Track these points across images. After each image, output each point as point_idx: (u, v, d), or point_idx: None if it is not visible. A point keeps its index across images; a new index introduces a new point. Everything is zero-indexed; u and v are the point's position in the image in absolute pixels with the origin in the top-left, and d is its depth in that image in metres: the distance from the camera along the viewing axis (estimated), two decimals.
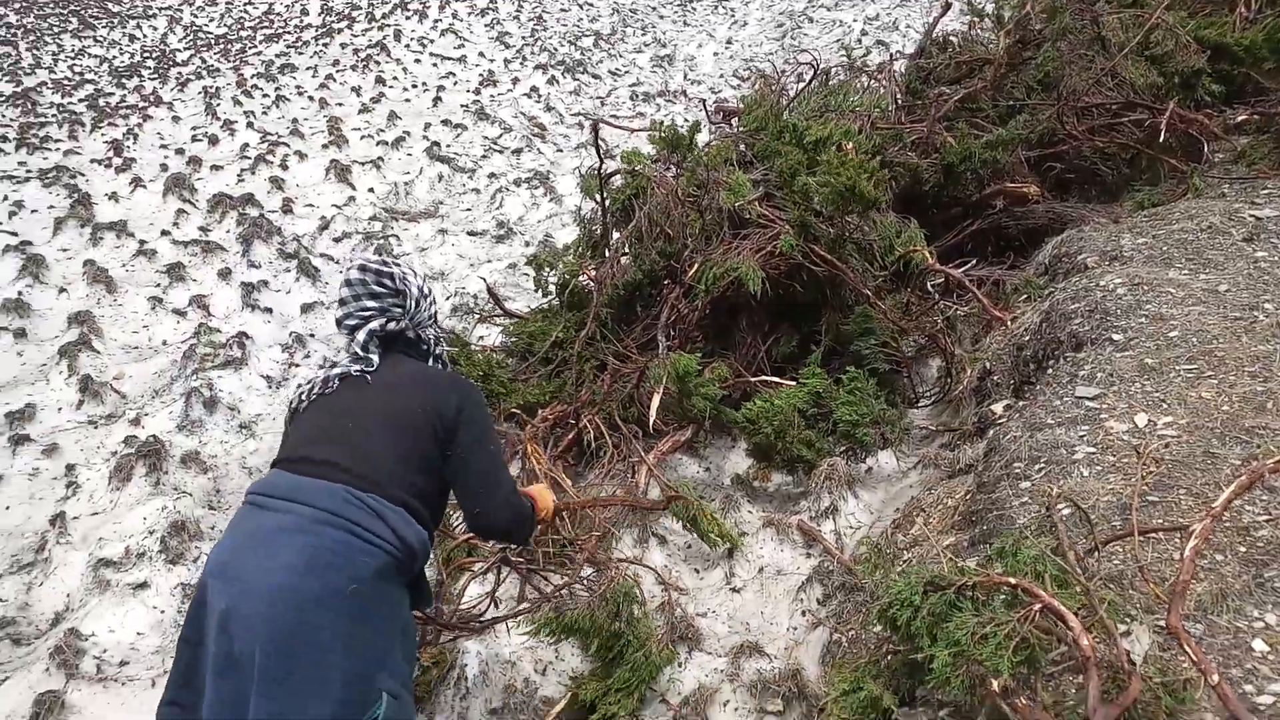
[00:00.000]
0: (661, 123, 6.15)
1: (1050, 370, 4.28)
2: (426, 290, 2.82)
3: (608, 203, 5.62)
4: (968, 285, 4.97)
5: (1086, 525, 2.56)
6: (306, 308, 7.56)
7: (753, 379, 4.79)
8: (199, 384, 5.97)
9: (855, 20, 20.77)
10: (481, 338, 6.54)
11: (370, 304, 2.72)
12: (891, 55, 8.22)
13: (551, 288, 5.99)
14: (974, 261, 5.82)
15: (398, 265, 2.80)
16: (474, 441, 2.54)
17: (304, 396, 2.58)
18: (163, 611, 4.37)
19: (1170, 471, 2.96)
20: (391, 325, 2.69)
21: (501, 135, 13.71)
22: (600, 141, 5.81)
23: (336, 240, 9.16)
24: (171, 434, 5.59)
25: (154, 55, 20.83)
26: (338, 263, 8.63)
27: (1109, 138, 6.26)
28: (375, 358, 2.65)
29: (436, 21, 22.53)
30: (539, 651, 3.81)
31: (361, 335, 2.67)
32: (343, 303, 2.74)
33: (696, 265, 4.79)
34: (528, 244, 9.01)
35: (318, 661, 2.16)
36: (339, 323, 2.76)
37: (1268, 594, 2.37)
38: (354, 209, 10.01)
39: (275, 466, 2.51)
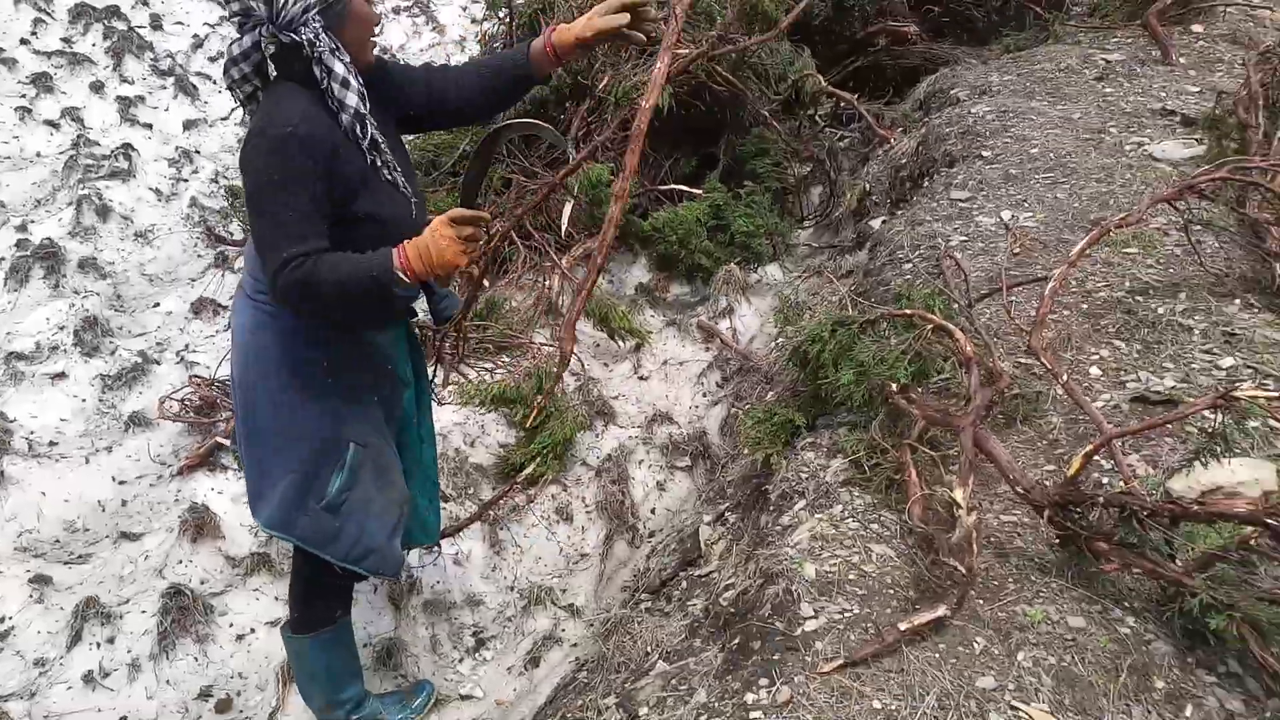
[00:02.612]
0: None
1: (926, 184, 4.77)
2: None
3: (513, 21, 5.68)
4: (856, 105, 5.38)
5: (964, 284, 3.05)
6: (189, 124, 7.34)
7: (659, 189, 5.10)
8: (88, 192, 5.83)
9: None
10: None
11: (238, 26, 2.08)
12: None
13: None
14: (856, 96, 6.23)
15: None
16: (248, 195, 1.98)
17: None
18: (84, 400, 4.44)
19: (1029, 252, 3.48)
20: (247, 41, 2.03)
21: None
22: None
23: (212, 60, 8.78)
24: (65, 239, 5.49)
25: None
26: (215, 82, 8.31)
27: None
28: (244, 104, 2.13)
29: None
30: (467, 427, 4.14)
31: (227, 71, 2.11)
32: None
33: (606, 79, 4.98)
34: None
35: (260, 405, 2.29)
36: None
37: (1102, 336, 2.92)
38: (228, 29, 9.55)
39: None
